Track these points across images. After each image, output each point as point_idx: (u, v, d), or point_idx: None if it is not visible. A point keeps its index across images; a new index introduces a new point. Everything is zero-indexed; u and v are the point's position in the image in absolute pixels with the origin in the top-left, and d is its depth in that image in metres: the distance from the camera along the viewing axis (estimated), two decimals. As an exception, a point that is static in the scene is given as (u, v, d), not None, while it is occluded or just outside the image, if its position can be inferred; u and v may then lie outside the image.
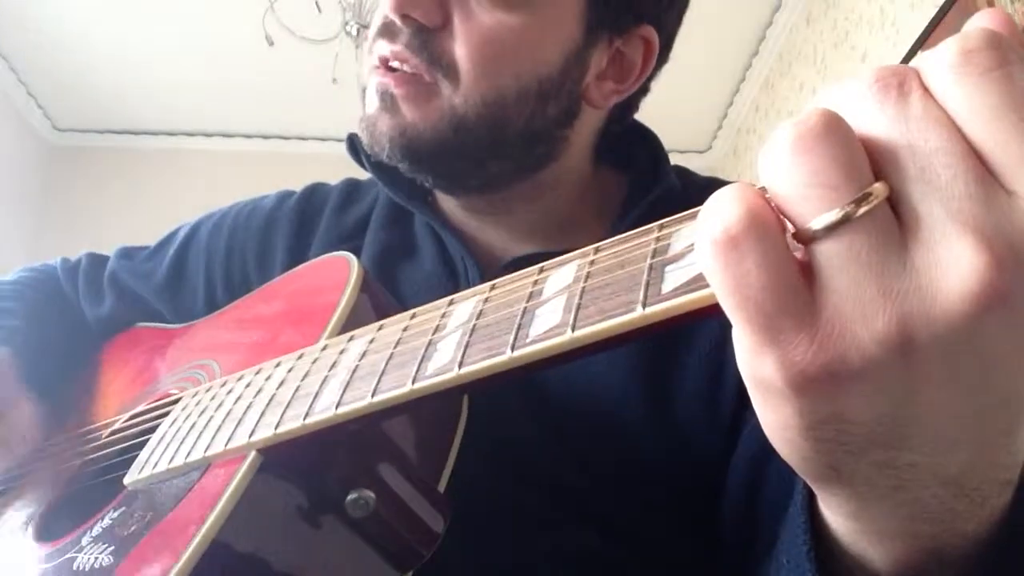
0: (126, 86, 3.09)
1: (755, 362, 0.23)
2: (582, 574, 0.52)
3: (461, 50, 0.56)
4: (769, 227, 0.22)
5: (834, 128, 0.22)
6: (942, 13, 1.93)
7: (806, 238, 0.22)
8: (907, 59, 2.07)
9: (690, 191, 0.65)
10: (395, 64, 0.58)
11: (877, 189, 0.21)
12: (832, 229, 0.21)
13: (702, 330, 0.56)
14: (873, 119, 0.22)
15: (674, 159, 0.67)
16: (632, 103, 0.67)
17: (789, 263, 0.22)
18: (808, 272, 0.22)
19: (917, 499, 0.26)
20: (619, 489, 0.53)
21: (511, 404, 0.54)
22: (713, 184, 0.67)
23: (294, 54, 2.61)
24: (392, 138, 0.58)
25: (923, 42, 2.00)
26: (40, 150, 3.29)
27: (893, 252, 0.21)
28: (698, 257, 0.23)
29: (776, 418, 0.24)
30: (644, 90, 0.67)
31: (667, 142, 0.68)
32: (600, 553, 0.52)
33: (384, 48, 0.58)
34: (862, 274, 0.21)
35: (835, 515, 0.30)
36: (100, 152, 3.37)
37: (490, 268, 0.62)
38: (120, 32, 2.82)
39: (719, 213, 0.23)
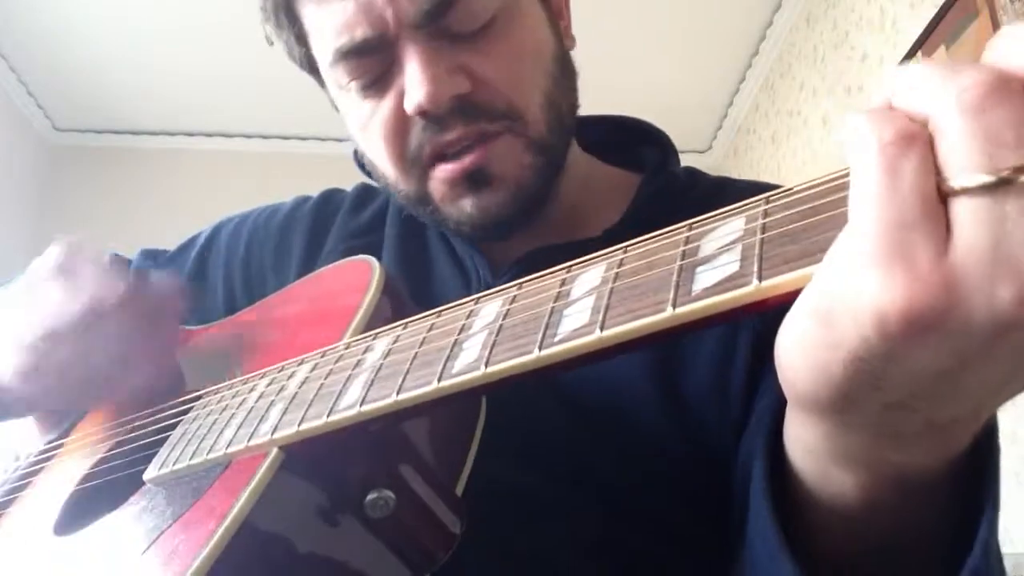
0: (126, 86, 3.08)
1: (862, 276, 0.21)
2: (600, 562, 0.52)
3: (505, 89, 0.55)
4: (928, 144, 0.22)
5: (1017, 91, 0.21)
6: (942, 13, 1.93)
7: (956, 189, 0.21)
8: (907, 59, 2.07)
9: (697, 186, 0.66)
10: (457, 150, 0.55)
11: None
12: (989, 189, 0.20)
13: (709, 329, 0.56)
14: None
15: (674, 159, 0.67)
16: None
17: (934, 184, 0.22)
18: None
19: (899, 433, 0.27)
20: (639, 480, 0.54)
21: (529, 394, 0.54)
22: (723, 182, 0.67)
23: (295, 54, 2.61)
24: (511, 206, 0.56)
25: (923, 42, 2.00)
26: (40, 150, 3.28)
27: None
28: (856, 155, 0.22)
29: (829, 340, 0.23)
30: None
31: (667, 142, 0.69)
32: (620, 541, 0.52)
33: (437, 142, 0.55)
34: (1004, 241, 0.20)
35: (807, 434, 0.31)
36: (100, 152, 3.36)
37: (500, 265, 0.62)
38: (120, 32, 2.81)
39: (889, 122, 0.22)
